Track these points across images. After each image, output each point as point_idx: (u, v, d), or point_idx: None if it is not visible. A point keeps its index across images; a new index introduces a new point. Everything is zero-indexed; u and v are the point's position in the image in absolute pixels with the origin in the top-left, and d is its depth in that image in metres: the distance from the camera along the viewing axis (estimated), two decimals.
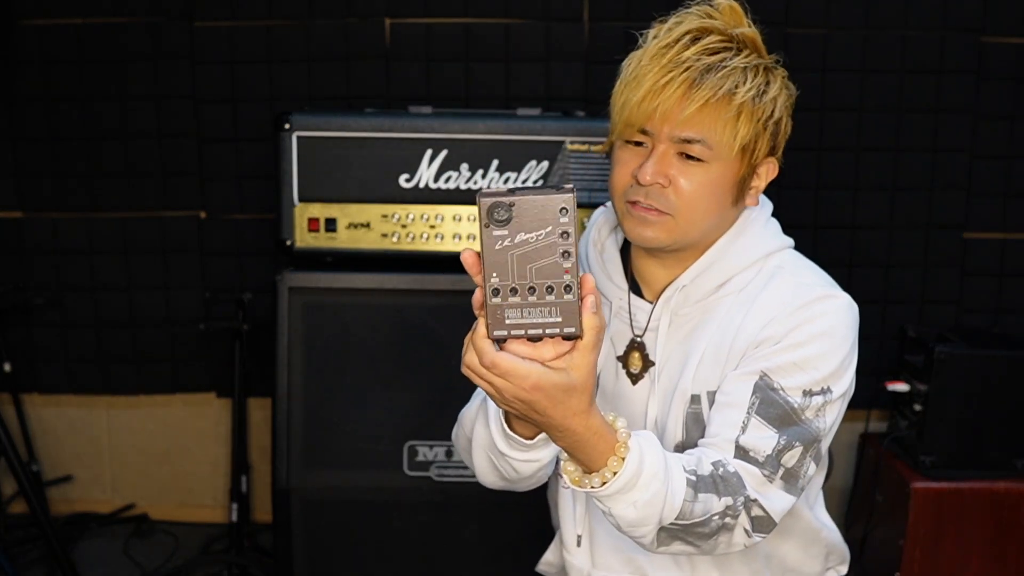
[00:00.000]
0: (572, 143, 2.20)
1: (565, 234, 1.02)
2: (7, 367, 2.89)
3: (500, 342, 1.06)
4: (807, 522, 1.51)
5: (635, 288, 1.47)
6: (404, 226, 2.24)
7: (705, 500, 1.24)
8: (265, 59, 2.79)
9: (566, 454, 1.20)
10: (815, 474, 1.43)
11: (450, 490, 2.25)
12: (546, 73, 2.78)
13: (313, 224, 2.24)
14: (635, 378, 1.45)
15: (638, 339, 1.45)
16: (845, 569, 1.61)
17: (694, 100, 1.27)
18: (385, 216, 2.23)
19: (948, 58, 2.74)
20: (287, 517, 2.25)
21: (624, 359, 1.46)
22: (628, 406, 1.45)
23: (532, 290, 1.03)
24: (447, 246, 2.24)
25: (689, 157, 1.31)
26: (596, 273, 1.48)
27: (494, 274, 1.03)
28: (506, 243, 1.02)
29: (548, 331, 1.05)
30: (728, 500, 1.25)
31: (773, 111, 1.35)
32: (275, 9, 2.77)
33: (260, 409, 2.94)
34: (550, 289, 1.03)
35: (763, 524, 1.29)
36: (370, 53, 2.78)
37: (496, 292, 1.03)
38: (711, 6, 1.34)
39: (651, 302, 1.44)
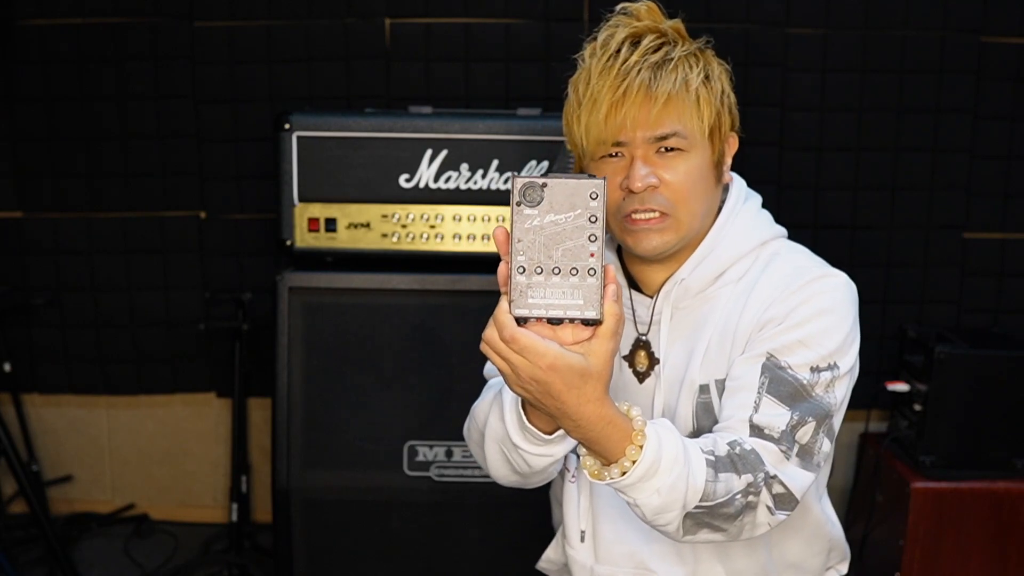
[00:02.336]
0: None
1: (593, 218, 1.05)
2: (7, 367, 2.89)
3: (521, 321, 1.08)
4: (815, 515, 1.51)
5: (634, 287, 1.48)
6: (404, 226, 2.23)
7: (726, 479, 1.24)
8: (265, 59, 2.79)
9: (584, 448, 1.20)
10: (828, 455, 1.42)
11: (450, 490, 2.25)
12: (546, 73, 2.78)
13: (313, 224, 2.24)
14: (642, 376, 1.46)
15: (643, 338, 1.45)
16: (845, 568, 1.61)
17: (658, 98, 1.31)
18: (385, 216, 2.23)
19: (948, 58, 2.74)
20: (287, 517, 2.25)
21: (631, 358, 1.47)
22: (636, 404, 1.44)
23: (557, 271, 1.06)
24: (447, 246, 2.24)
25: (668, 150, 1.34)
26: None
27: (521, 252, 1.06)
28: (536, 223, 1.06)
29: (569, 313, 1.07)
30: (749, 477, 1.26)
31: (723, 88, 1.38)
32: (275, 9, 2.77)
33: (260, 409, 2.94)
34: (574, 271, 1.06)
35: (785, 501, 1.29)
36: (370, 53, 2.78)
37: (522, 270, 1.06)
38: (627, 14, 1.37)
39: (651, 297, 1.45)
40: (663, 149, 1.33)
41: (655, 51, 1.32)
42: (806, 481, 1.31)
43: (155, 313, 2.93)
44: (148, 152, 2.85)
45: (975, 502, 2.44)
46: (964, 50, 2.74)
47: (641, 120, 1.31)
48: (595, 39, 1.37)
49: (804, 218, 2.80)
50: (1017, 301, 2.86)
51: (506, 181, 2.21)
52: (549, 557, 1.62)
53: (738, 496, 1.25)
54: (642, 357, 1.46)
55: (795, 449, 1.30)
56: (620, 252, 1.50)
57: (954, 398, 2.45)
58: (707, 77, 1.35)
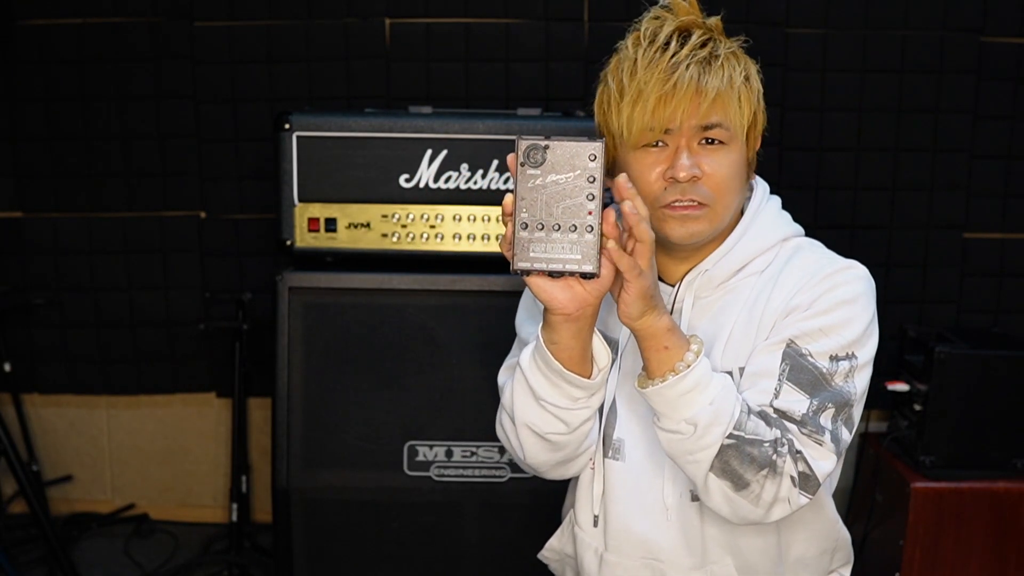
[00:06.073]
0: None
1: (592, 178, 1.12)
2: (7, 367, 2.89)
3: (524, 274, 1.14)
4: (828, 513, 1.52)
5: None
6: (404, 226, 2.23)
7: (756, 423, 1.29)
8: (265, 59, 2.79)
9: (648, 347, 1.27)
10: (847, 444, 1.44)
11: (450, 490, 2.25)
12: (546, 73, 2.78)
13: (313, 224, 2.23)
14: None
15: None
16: (847, 572, 1.61)
17: (707, 93, 1.32)
18: (385, 216, 2.23)
19: (948, 58, 2.74)
20: (287, 517, 2.25)
21: None
22: None
23: (557, 227, 1.13)
24: (447, 246, 2.24)
25: (711, 142, 1.35)
26: None
27: (524, 210, 1.13)
28: (538, 182, 1.12)
29: (568, 267, 1.14)
30: (777, 432, 1.29)
31: (759, 89, 1.42)
32: (275, 9, 2.77)
33: (260, 409, 2.94)
34: (573, 228, 1.13)
35: (808, 483, 1.31)
36: (370, 53, 2.78)
37: (524, 226, 1.13)
38: (665, 8, 1.38)
39: (672, 286, 1.47)
40: (706, 141, 1.35)
41: (702, 47, 1.34)
42: (829, 466, 1.34)
43: (155, 313, 2.93)
44: (148, 152, 2.85)
45: (975, 502, 2.44)
46: (964, 50, 2.74)
47: (691, 112, 1.33)
48: (638, 30, 1.37)
49: (804, 218, 2.74)
50: (1017, 301, 2.86)
51: (507, 181, 2.21)
52: (552, 546, 1.62)
53: (766, 444, 1.28)
54: None
55: (825, 434, 1.32)
56: None
57: (954, 398, 2.45)
58: (747, 77, 1.38)
